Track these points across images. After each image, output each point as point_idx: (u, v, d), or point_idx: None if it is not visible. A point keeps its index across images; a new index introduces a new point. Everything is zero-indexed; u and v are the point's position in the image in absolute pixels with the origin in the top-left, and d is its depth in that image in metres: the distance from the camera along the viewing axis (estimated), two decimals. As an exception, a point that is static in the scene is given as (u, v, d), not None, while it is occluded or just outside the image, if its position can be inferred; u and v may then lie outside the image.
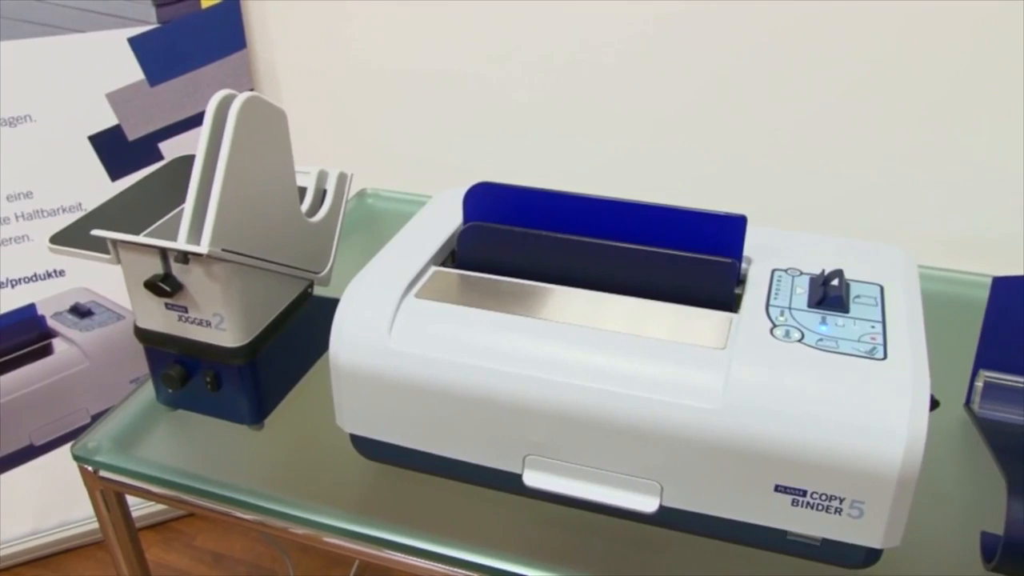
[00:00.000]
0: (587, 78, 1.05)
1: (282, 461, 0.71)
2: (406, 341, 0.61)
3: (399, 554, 0.63)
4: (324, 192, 0.79)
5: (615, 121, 1.06)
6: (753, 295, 0.62)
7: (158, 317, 0.69)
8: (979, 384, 0.70)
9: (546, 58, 1.05)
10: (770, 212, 1.04)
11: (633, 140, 1.06)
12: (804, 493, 0.55)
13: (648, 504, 0.58)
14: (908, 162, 0.97)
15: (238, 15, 1.15)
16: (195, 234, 0.64)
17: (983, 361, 0.71)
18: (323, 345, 0.63)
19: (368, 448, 0.67)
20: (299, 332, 0.76)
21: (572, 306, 0.62)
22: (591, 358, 0.58)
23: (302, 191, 0.78)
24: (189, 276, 0.66)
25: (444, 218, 0.73)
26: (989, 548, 0.60)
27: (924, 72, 0.92)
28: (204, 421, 0.74)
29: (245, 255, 0.66)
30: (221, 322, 0.67)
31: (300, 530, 0.66)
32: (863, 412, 0.53)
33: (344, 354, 0.62)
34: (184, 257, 0.64)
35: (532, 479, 0.61)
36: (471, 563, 0.61)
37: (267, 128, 0.67)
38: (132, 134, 1.16)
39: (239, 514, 0.67)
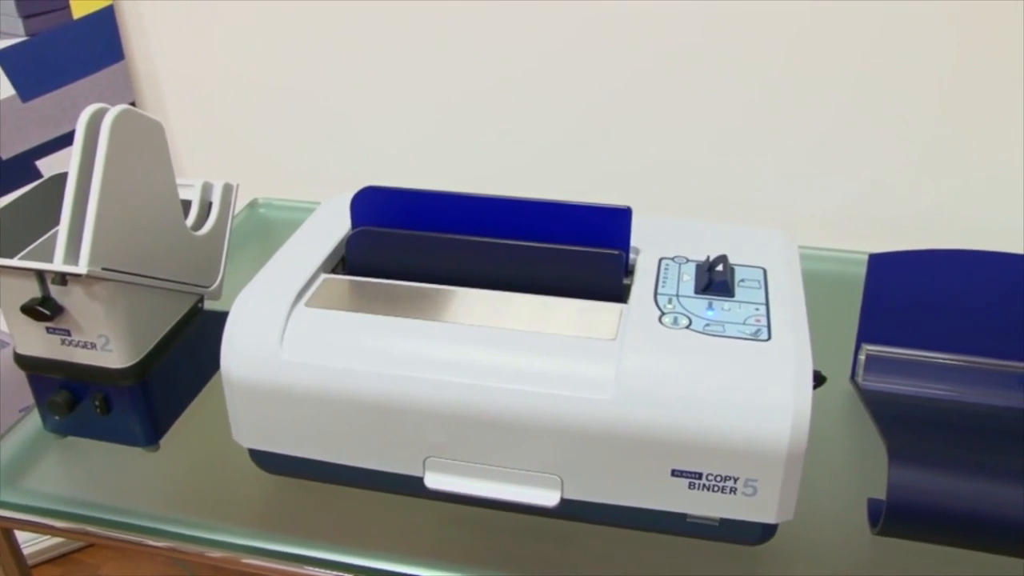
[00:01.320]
0: (477, 81, 1.05)
1: (182, 482, 0.69)
2: (298, 351, 0.60)
3: (319, 569, 0.62)
4: (210, 204, 0.78)
5: (507, 124, 1.06)
6: (642, 284, 0.63)
7: (39, 342, 0.67)
8: (862, 357, 0.73)
9: (432, 63, 1.05)
10: (656, 201, 1.06)
11: (523, 143, 1.07)
12: (700, 476, 0.56)
13: (549, 498, 0.59)
14: (788, 150, 1.00)
15: (113, 25, 1.11)
16: (72, 254, 0.62)
17: (865, 335, 0.74)
18: (217, 360, 0.62)
19: (268, 462, 0.66)
20: (191, 348, 0.74)
21: (463, 306, 0.62)
22: (484, 357, 0.58)
23: (187, 204, 0.76)
24: (69, 298, 0.64)
25: (333, 225, 0.72)
26: (875, 513, 0.62)
27: (804, 61, 0.95)
28: (97, 446, 0.72)
29: (127, 273, 0.64)
30: (107, 343, 0.65)
31: (216, 553, 0.64)
32: (750, 392, 0.54)
33: (236, 368, 0.61)
34: (62, 279, 0.62)
35: (433, 481, 0.61)
36: (390, 572, 0.61)
37: (143, 142, 0.65)
38: (6, 152, 1.11)
39: (150, 542, 0.65)
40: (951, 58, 0.91)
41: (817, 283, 0.89)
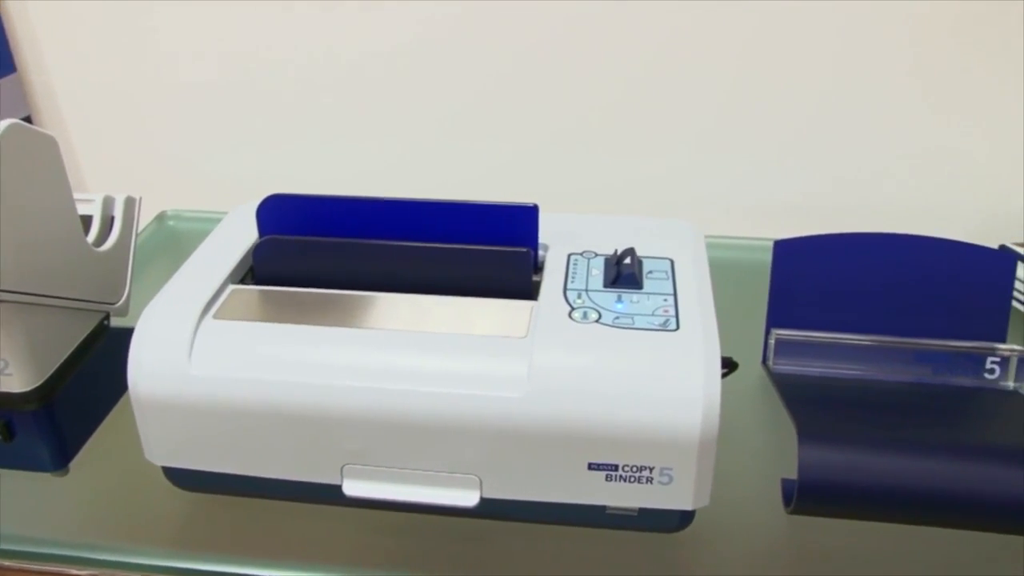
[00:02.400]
0: (377, 79, 1.04)
1: (97, 505, 0.67)
2: (207, 365, 0.59)
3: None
4: (112, 219, 0.76)
5: (412, 120, 1.06)
6: (551, 281, 0.63)
7: (-67, 369, 0.64)
8: (771, 342, 0.75)
9: (331, 62, 1.04)
10: (564, 197, 1.06)
11: (431, 137, 1.07)
12: (616, 468, 0.57)
13: (469, 498, 0.59)
14: (692, 141, 1.01)
15: (2, 36, 1.08)
16: (-36, 277, 0.60)
17: (774, 320, 0.75)
18: (126, 378, 0.60)
19: (183, 479, 0.64)
20: (99, 367, 0.72)
21: (373, 311, 0.62)
22: (396, 360, 0.57)
23: (88, 220, 0.74)
24: (-37, 322, 0.61)
25: (239, 234, 0.71)
26: (788, 493, 0.64)
27: (703, 52, 0.96)
28: (1, 474, 0.69)
29: (24, 293, 0.62)
30: (6, 367, 0.63)
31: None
32: (660, 383, 0.55)
33: (144, 385, 0.60)
34: (-46, 302, 0.60)
35: (351, 488, 0.60)
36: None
37: (35, 157, 0.63)
38: None
39: (73, 571, 0.63)
40: (836, 41, 0.94)
41: (726, 271, 0.90)
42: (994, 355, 0.72)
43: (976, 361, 0.72)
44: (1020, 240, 0.92)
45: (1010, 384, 0.72)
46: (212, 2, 1.02)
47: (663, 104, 1.00)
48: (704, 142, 1.01)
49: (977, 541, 0.63)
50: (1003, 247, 0.89)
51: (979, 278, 0.74)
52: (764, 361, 0.77)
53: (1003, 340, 0.73)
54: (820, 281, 0.75)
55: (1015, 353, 0.71)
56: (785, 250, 0.75)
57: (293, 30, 1.03)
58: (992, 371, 0.72)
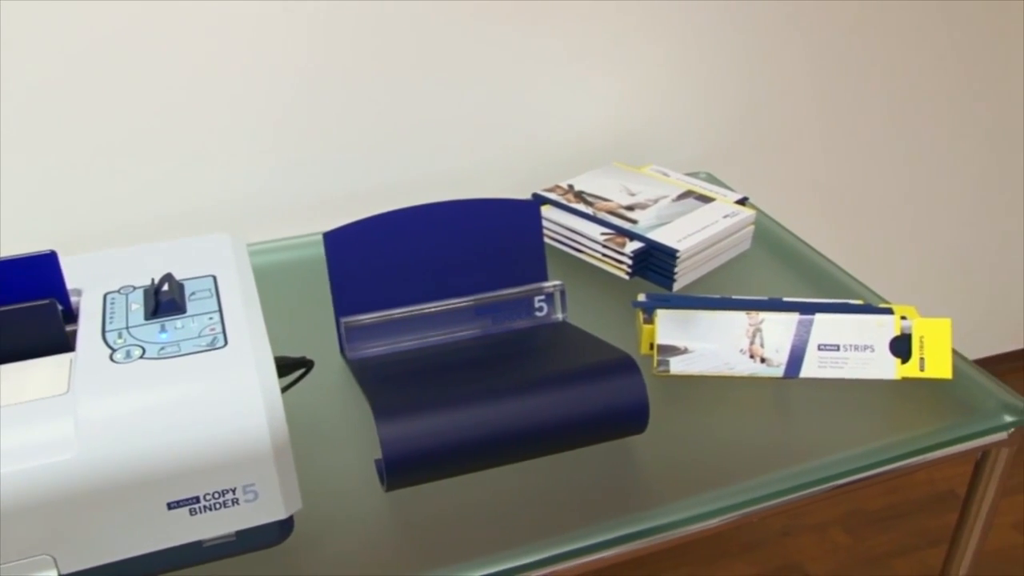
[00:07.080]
0: None
1: None
2: None
3: None
4: None
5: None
6: (88, 326, 0.59)
7: None
8: (342, 331, 0.76)
9: None
10: (92, 234, 0.98)
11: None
12: (197, 499, 0.55)
13: (46, 581, 0.54)
14: (228, 154, 0.99)
15: None
16: None
17: (341, 309, 0.77)
18: None
19: None
20: None
21: None
22: (-83, 458, 0.51)
23: None
24: None
25: None
26: (381, 472, 0.66)
27: (215, 62, 0.94)
28: None
29: None
30: None
31: None
32: (217, 403, 0.54)
33: None
34: None
35: (-101, 614, 0.53)
36: None
37: None
38: None
39: None
40: (370, 29, 0.97)
41: (293, 273, 0.90)
42: (540, 294, 0.79)
43: (526, 303, 0.79)
44: (550, 185, 1.01)
45: (558, 316, 0.80)
46: None
47: (185, 120, 0.95)
48: (241, 153, 0.98)
49: (562, 462, 0.69)
50: (534, 195, 0.98)
51: (514, 227, 0.80)
52: (341, 351, 0.78)
53: (545, 279, 0.80)
54: (377, 262, 0.78)
55: (556, 288, 0.79)
56: (336, 240, 0.76)
57: None
58: (541, 308, 0.79)
